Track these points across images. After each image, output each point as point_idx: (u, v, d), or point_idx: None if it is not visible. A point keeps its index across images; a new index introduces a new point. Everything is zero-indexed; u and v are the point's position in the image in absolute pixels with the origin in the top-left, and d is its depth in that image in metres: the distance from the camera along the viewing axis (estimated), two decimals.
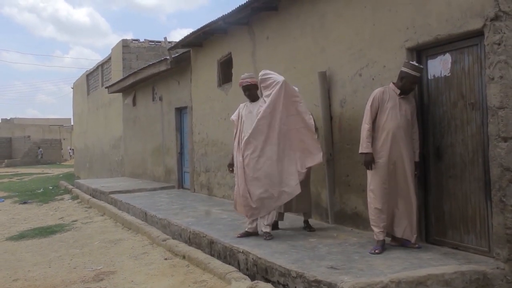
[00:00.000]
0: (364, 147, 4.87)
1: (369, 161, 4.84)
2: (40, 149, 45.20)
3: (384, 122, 4.83)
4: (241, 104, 6.00)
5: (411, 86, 4.81)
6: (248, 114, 5.76)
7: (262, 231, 5.70)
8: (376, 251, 4.73)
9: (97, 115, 21.10)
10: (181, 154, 12.24)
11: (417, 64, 4.80)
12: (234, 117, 5.96)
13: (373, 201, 4.88)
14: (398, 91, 4.85)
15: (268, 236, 5.58)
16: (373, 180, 4.89)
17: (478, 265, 4.10)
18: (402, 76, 4.80)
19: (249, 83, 5.80)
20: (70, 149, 45.18)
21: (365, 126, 4.88)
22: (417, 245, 4.84)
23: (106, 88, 17.54)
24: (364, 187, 5.57)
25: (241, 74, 8.60)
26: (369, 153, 4.83)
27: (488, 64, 4.13)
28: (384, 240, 4.85)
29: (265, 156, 5.52)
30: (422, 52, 5.05)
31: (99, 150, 20.67)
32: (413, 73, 4.74)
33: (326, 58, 6.42)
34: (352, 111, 5.94)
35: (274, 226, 5.99)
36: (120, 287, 4.95)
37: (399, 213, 4.86)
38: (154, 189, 12.08)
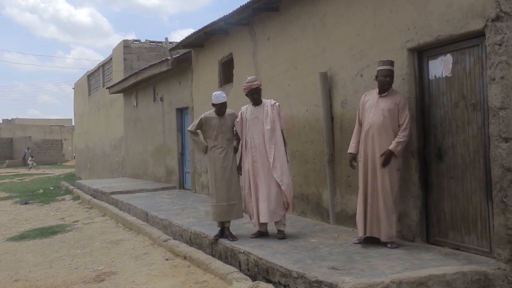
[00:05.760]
0: (349, 147, 5.35)
1: (349, 160, 5.35)
2: (29, 149, 41.08)
3: (363, 123, 5.16)
4: (242, 108, 5.96)
5: (383, 79, 4.96)
6: (254, 119, 5.75)
7: (280, 230, 5.74)
8: (356, 241, 5.18)
9: (98, 116, 21.12)
10: (182, 154, 12.24)
11: (384, 59, 5.06)
12: (237, 120, 5.93)
13: (358, 198, 5.19)
14: (377, 90, 5.07)
15: (283, 235, 5.66)
16: (358, 177, 5.21)
17: (479, 265, 4.11)
18: (375, 75, 5.09)
19: (258, 86, 5.81)
20: None
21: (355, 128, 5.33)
22: (391, 245, 4.91)
23: (107, 88, 17.55)
24: None
25: (242, 75, 8.65)
26: (349, 153, 5.33)
27: (489, 64, 4.13)
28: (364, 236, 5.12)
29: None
30: (423, 53, 5.05)
31: (100, 151, 20.68)
32: (380, 67, 5.00)
33: (327, 58, 6.42)
34: (353, 111, 5.93)
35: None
36: (121, 287, 4.95)
37: (373, 213, 4.98)
38: (155, 190, 12.09)
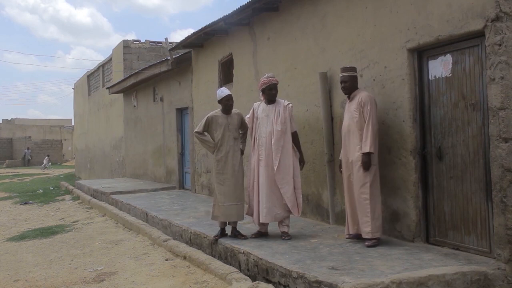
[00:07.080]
0: None
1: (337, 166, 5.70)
2: (29, 150, 41.60)
3: None
4: (254, 104, 5.94)
5: (341, 86, 5.36)
6: (265, 117, 5.69)
7: (281, 231, 5.73)
8: (346, 236, 5.43)
9: (98, 116, 21.13)
10: (182, 154, 12.25)
11: (343, 66, 5.45)
12: (248, 117, 5.91)
13: None
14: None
15: (287, 236, 5.62)
16: None
17: (479, 265, 4.11)
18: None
19: (277, 82, 5.78)
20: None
21: None
22: (368, 242, 4.98)
23: (107, 88, 17.56)
24: None
25: (242, 75, 8.66)
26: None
27: (489, 64, 4.13)
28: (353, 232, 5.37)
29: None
30: (423, 53, 5.05)
31: (100, 151, 20.68)
32: (340, 74, 5.37)
33: (327, 58, 6.42)
34: None
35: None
36: (121, 287, 4.95)
37: (352, 211, 5.25)
38: (155, 190, 12.09)
